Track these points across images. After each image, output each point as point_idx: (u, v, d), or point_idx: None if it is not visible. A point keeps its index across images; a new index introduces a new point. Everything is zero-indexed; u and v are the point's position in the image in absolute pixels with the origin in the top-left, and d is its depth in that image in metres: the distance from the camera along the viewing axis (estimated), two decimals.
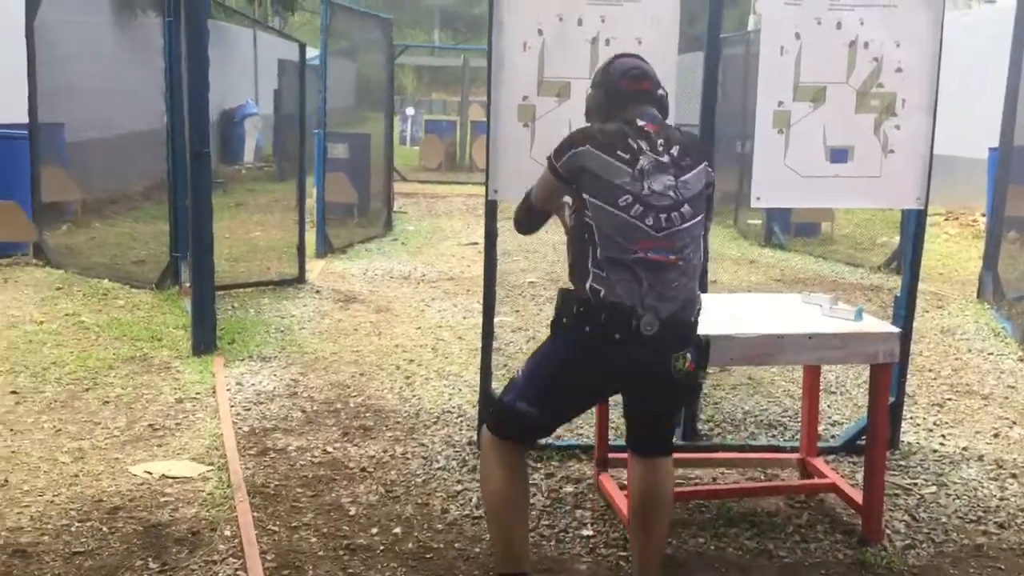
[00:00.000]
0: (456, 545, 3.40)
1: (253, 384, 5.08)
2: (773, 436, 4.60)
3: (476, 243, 9.39)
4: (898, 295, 4.36)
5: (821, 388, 4.24)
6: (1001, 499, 3.91)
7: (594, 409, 4.34)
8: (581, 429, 4.49)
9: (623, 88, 3.00)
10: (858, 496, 3.61)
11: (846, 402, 5.11)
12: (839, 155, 4.11)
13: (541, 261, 8.92)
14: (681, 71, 4.06)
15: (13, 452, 4.04)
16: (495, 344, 4.22)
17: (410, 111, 25.43)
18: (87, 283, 7.13)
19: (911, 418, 4.80)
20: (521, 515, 2.99)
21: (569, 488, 3.89)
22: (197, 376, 5.15)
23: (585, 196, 2.88)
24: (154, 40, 7.25)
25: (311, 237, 8.62)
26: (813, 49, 4.02)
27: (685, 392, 3.01)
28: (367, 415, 4.71)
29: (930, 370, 5.69)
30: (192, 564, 3.19)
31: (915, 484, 4.05)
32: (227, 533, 3.41)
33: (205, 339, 5.57)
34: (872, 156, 4.09)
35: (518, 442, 2.97)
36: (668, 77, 4.02)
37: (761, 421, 4.79)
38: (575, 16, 3.96)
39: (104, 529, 3.40)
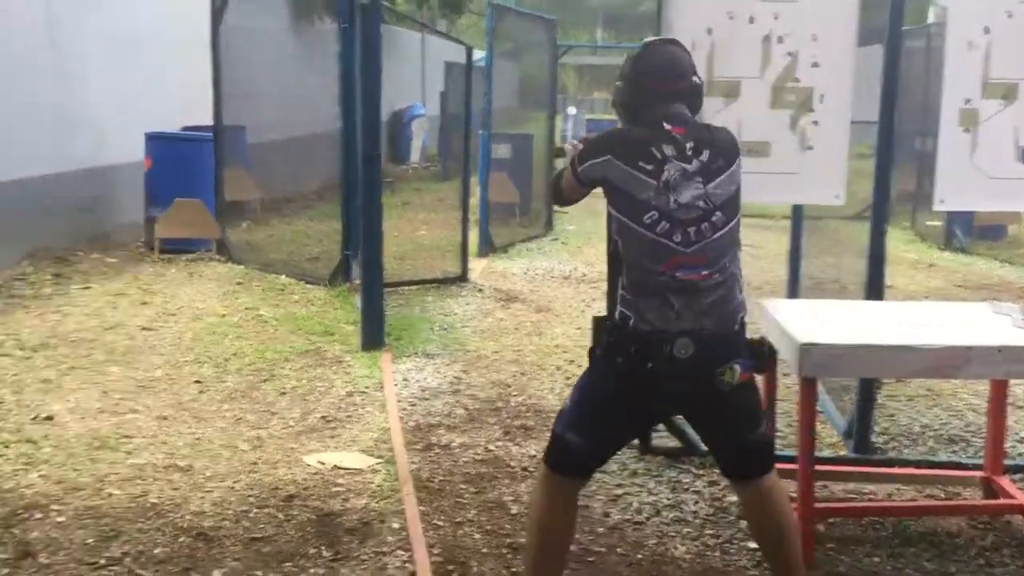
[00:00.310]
0: (618, 550, 3.37)
1: (418, 380, 5.20)
2: (954, 452, 4.35)
3: None
4: None
5: (1008, 402, 3.98)
6: None
7: None
8: None
9: (652, 88, 2.80)
10: None
11: None
12: None
13: None
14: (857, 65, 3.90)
15: (197, 439, 4.28)
16: None
17: (572, 110, 25.49)
18: (265, 278, 7.49)
19: None
20: (551, 555, 2.85)
21: (734, 497, 3.78)
22: (366, 371, 5.32)
23: (610, 210, 2.74)
24: (329, 46, 7.54)
25: (474, 236, 8.76)
26: (1004, 44, 3.77)
27: (747, 405, 2.79)
28: (528, 414, 4.75)
29: None
30: (363, 554, 3.29)
31: None
32: (395, 525, 3.50)
33: (374, 335, 5.75)
34: None
35: (568, 475, 2.83)
36: (846, 74, 3.89)
37: (941, 435, 4.54)
38: (746, 14, 3.86)
39: (280, 516, 3.56)
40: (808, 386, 3.24)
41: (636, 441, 4.25)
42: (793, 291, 5.50)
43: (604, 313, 2.83)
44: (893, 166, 4.22)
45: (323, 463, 4.05)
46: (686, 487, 3.88)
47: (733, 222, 2.73)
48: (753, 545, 3.41)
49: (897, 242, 9.66)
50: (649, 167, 2.68)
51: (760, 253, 9.30)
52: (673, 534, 3.50)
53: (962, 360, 3.14)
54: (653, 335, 2.63)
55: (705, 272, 2.65)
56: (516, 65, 13.30)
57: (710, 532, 3.51)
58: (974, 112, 3.84)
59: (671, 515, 3.64)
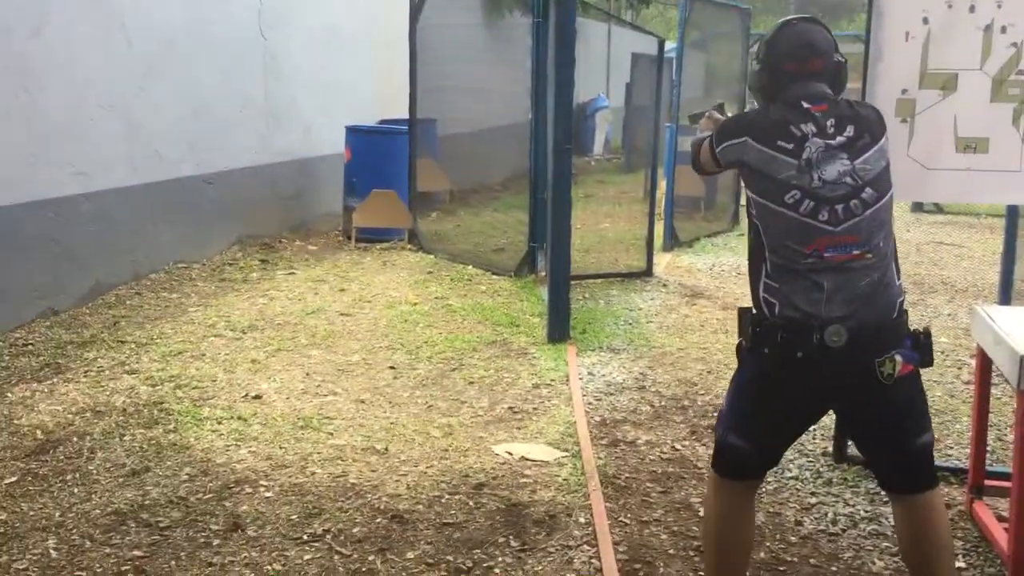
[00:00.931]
0: (811, 561, 3.27)
1: (603, 375, 5.21)
2: None
3: None
4: None
5: None
6: None
7: (963, 427, 4.01)
8: (950, 450, 4.16)
9: (788, 70, 2.69)
10: None
11: None
12: None
13: (903, 262, 8.33)
14: None
15: (392, 423, 4.45)
16: None
17: None
18: (453, 268, 7.69)
19: None
20: (731, 564, 2.75)
21: None
22: (551, 363, 5.37)
23: (749, 193, 2.63)
24: (522, 40, 7.63)
25: (658, 230, 8.67)
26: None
27: (910, 404, 2.58)
28: (714, 415, 4.65)
29: None
30: (549, 547, 3.34)
31: None
32: (581, 520, 3.52)
33: (559, 328, 5.80)
34: None
35: (737, 479, 2.72)
36: None
37: None
38: (967, 2, 3.63)
39: (470, 504, 3.65)
40: None
41: (831, 448, 4.11)
42: (1006, 296, 5.15)
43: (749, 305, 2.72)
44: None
45: (511, 453, 4.12)
46: (885, 500, 3.69)
47: (885, 198, 2.60)
48: (959, 565, 3.23)
49: None
50: (789, 146, 2.58)
51: (965, 253, 8.78)
52: (871, 548, 3.36)
53: None
54: (801, 321, 2.49)
55: (856, 252, 2.52)
56: (704, 56, 13.04)
57: None
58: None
59: (868, 528, 3.50)
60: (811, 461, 4.08)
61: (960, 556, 3.29)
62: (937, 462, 3.97)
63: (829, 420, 4.30)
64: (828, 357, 2.49)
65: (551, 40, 6.18)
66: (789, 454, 4.13)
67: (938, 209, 10.99)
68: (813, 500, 3.72)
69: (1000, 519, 3.36)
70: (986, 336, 3.37)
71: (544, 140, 6.88)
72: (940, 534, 2.64)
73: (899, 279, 2.61)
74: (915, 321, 6.26)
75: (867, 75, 3.74)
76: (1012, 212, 5.00)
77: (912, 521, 2.66)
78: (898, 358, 2.51)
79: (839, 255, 2.51)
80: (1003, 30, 3.61)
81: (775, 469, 3.96)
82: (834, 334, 2.47)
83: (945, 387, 5.03)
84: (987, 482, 3.58)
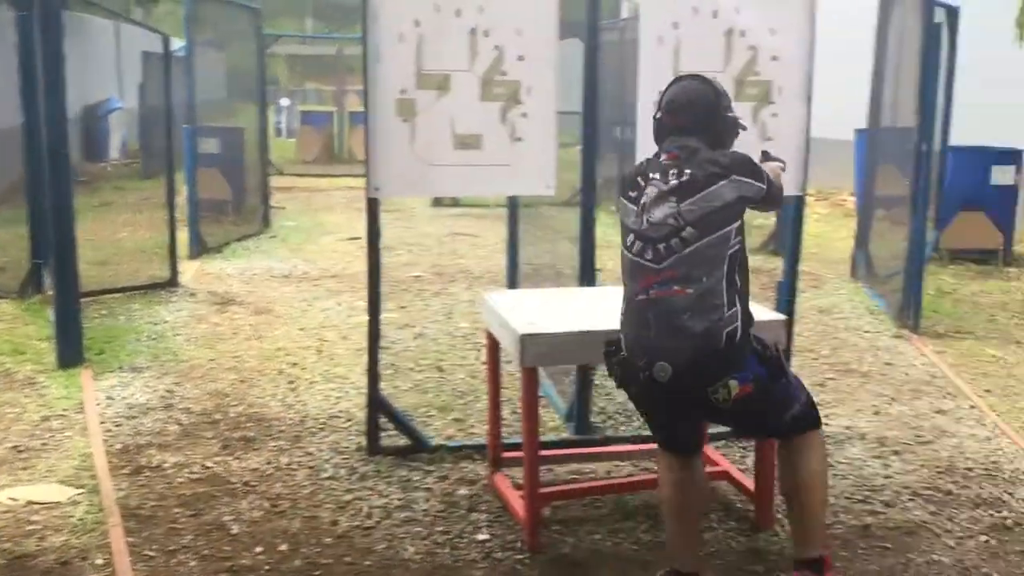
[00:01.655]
0: (346, 559, 3.26)
1: (124, 397, 4.80)
2: None
3: (357, 238, 9.17)
4: (781, 280, 4.42)
5: None
6: (885, 477, 4.00)
7: (485, 406, 4.25)
8: (474, 428, 4.42)
9: (663, 122, 2.94)
10: (750, 483, 3.64)
11: None
12: None
13: (425, 254, 8.80)
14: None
15: None
16: (381, 343, 4.10)
17: (284, 102, 24.84)
18: None
19: None
20: (682, 517, 3.01)
21: (463, 491, 3.79)
22: (63, 391, 4.84)
23: None
24: (6, 36, 6.80)
25: (183, 237, 8.26)
26: (691, 38, 4.01)
27: (761, 410, 2.84)
28: (248, 425, 4.51)
29: (810, 350, 5.81)
30: None
31: None
32: (99, 561, 3.18)
33: (71, 351, 5.25)
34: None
35: (670, 452, 3.01)
36: (550, 67, 3.98)
37: None
38: (453, 6, 3.84)
39: None
40: (529, 375, 3.28)
41: (363, 442, 4.15)
42: (512, 280, 5.63)
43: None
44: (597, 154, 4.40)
45: (14, 499, 3.62)
46: (416, 485, 3.83)
47: (710, 238, 2.73)
48: (482, 537, 3.43)
49: (606, 226, 10.14)
50: (634, 195, 2.85)
51: (479, 242, 9.49)
52: (403, 535, 3.43)
53: None
54: (631, 361, 2.80)
55: (677, 288, 2.72)
56: (222, 55, 12.71)
57: (440, 529, 3.47)
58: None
59: (402, 516, 3.57)
60: (346, 458, 4.09)
61: (484, 528, 3.48)
62: (463, 441, 4.24)
63: (361, 414, 4.36)
64: (658, 387, 2.77)
65: (37, 36, 5.55)
66: (325, 454, 4.13)
67: (454, 202, 11.78)
68: (348, 497, 3.72)
69: (517, 487, 3.61)
70: (493, 320, 3.62)
71: (41, 144, 6.17)
72: (804, 468, 2.92)
73: (731, 309, 2.73)
74: (445, 310, 6.51)
75: (367, 76, 3.81)
76: (513, 203, 5.48)
77: (782, 456, 2.99)
78: (732, 383, 2.71)
79: (661, 291, 2.74)
80: (486, 33, 3.87)
81: (311, 472, 3.95)
82: (660, 371, 2.73)
83: (467, 369, 5.36)
84: (505, 454, 3.84)
